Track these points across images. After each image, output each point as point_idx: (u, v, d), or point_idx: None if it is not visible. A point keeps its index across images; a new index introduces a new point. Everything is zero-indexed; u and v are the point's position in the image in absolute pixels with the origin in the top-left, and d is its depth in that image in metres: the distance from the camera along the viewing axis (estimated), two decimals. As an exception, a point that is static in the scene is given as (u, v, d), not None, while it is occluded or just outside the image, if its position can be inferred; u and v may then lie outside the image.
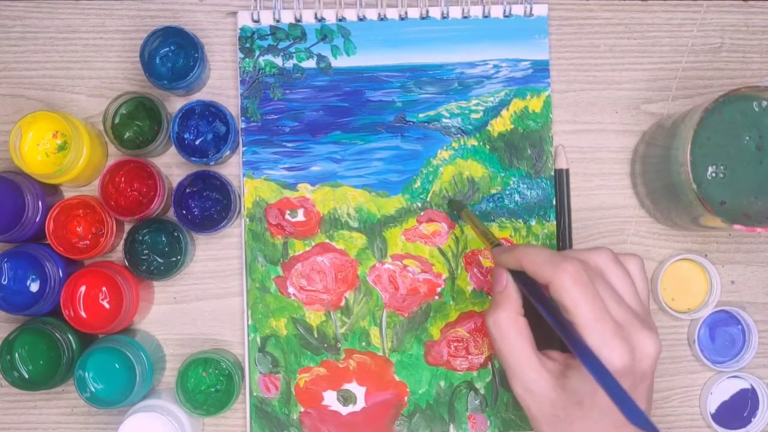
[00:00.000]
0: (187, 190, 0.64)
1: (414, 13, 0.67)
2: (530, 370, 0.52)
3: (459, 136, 0.67)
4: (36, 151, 0.62)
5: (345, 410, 0.66)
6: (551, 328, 0.52)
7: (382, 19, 0.67)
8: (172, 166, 0.67)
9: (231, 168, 0.67)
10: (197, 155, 0.64)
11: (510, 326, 0.52)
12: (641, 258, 0.55)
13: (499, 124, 0.67)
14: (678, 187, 0.59)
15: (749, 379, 0.66)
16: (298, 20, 0.67)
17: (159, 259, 0.64)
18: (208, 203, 0.65)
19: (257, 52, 0.67)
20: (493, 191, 0.66)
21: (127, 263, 0.64)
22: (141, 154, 0.64)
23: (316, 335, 0.66)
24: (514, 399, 0.66)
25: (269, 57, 0.67)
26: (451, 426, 0.66)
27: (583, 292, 0.49)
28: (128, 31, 0.67)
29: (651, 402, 0.54)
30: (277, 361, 0.65)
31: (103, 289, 0.63)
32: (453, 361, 0.66)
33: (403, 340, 0.66)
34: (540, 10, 0.67)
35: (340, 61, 0.67)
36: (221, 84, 0.67)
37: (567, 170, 0.66)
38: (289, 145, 0.66)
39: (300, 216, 0.66)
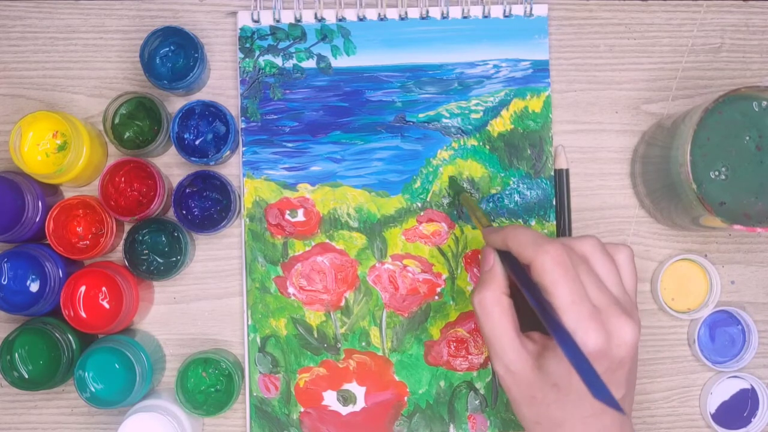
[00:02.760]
0: (187, 190, 0.64)
1: (414, 13, 0.67)
2: (511, 350, 0.52)
3: (459, 136, 0.67)
4: (36, 151, 0.62)
5: (345, 410, 0.66)
6: (534, 311, 0.53)
7: (382, 19, 0.67)
8: (172, 166, 0.67)
9: (231, 168, 0.67)
10: (197, 155, 0.64)
11: (494, 305, 0.52)
12: (631, 249, 0.54)
13: (499, 124, 0.67)
14: (678, 187, 0.59)
15: (749, 379, 0.66)
16: (298, 20, 0.67)
17: (159, 259, 0.64)
18: (208, 203, 0.65)
19: (257, 52, 0.67)
20: (493, 191, 0.66)
21: (127, 263, 0.64)
22: (141, 154, 0.64)
23: (316, 335, 0.66)
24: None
25: (269, 57, 0.67)
26: (451, 426, 0.66)
27: (562, 274, 0.49)
28: (128, 31, 0.67)
29: (632, 390, 0.54)
30: (277, 361, 0.65)
31: (103, 289, 0.63)
32: (453, 361, 0.66)
33: (403, 340, 0.66)
34: (540, 10, 0.67)
35: (340, 61, 0.67)
36: (221, 84, 0.67)
37: (567, 170, 0.66)
38: (289, 145, 0.66)
39: (300, 216, 0.66)
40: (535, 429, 0.53)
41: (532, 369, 0.52)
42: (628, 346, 0.50)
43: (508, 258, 0.53)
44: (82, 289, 0.63)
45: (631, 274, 0.54)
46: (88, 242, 0.64)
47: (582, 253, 0.52)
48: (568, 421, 0.51)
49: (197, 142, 0.64)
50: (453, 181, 0.66)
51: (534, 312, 0.52)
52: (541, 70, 0.67)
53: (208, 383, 0.64)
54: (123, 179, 0.64)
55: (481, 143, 0.67)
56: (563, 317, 0.49)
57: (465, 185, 0.66)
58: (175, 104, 0.67)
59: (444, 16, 0.67)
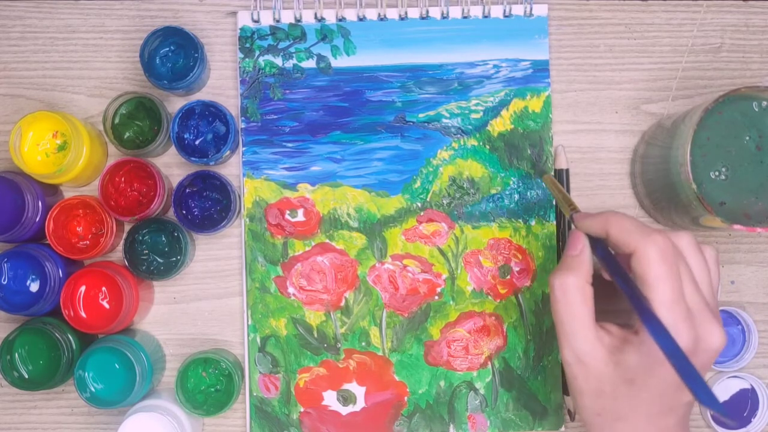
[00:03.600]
0: (187, 190, 0.64)
1: (414, 13, 0.67)
2: (586, 342, 0.50)
3: (459, 136, 0.67)
4: (36, 151, 0.62)
5: (345, 410, 0.66)
6: (610, 305, 0.51)
7: (382, 19, 0.67)
8: (172, 166, 0.67)
9: (231, 168, 0.67)
10: (197, 155, 0.64)
11: (576, 292, 0.51)
12: (717, 250, 0.54)
13: (499, 124, 0.67)
14: (678, 187, 0.59)
15: (749, 379, 0.66)
16: (298, 20, 0.67)
17: (159, 259, 0.64)
18: (208, 203, 0.65)
19: (257, 52, 0.67)
20: (493, 191, 0.66)
21: (127, 263, 0.64)
22: (141, 154, 0.64)
23: (316, 335, 0.66)
24: (514, 399, 0.66)
25: (269, 57, 0.67)
26: (451, 426, 0.66)
27: (668, 270, 0.48)
28: (128, 31, 0.67)
29: None
30: (277, 361, 0.65)
31: (103, 289, 0.63)
32: (453, 361, 0.66)
33: (403, 340, 0.66)
34: (540, 10, 0.67)
35: (340, 61, 0.67)
36: (221, 84, 0.67)
37: (567, 170, 0.66)
38: (289, 145, 0.66)
39: (300, 216, 0.66)
40: (594, 420, 0.52)
41: (605, 363, 0.50)
42: (714, 352, 0.49)
43: (598, 245, 0.52)
44: (82, 289, 0.63)
45: (718, 276, 0.53)
46: (88, 242, 0.64)
47: (680, 248, 0.51)
48: (632, 416, 0.50)
49: (197, 142, 0.64)
50: (537, 167, 0.65)
51: (607, 305, 0.51)
52: (541, 70, 0.67)
53: (208, 383, 0.64)
54: (123, 179, 0.64)
55: (481, 143, 0.67)
56: (660, 314, 0.47)
57: (465, 185, 0.66)
58: (175, 104, 0.67)
59: (444, 16, 0.67)
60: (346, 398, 0.66)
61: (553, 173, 0.66)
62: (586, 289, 0.51)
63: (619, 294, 0.51)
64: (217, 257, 0.67)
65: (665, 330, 0.46)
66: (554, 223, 0.66)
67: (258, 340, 0.66)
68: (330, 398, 0.66)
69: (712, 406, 0.43)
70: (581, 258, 0.52)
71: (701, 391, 0.43)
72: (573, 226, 0.55)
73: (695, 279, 0.50)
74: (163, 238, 0.64)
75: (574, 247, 0.53)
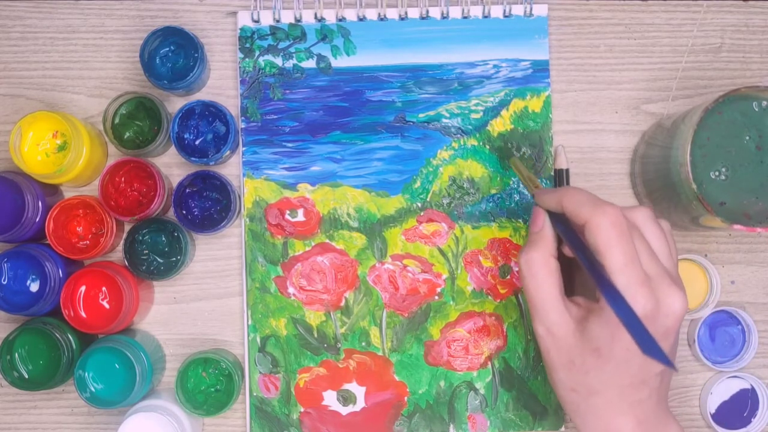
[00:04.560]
0: (187, 190, 0.64)
1: (414, 13, 0.67)
2: (554, 312, 0.52)
3: (459, 136, 0.67)
4: (36, 151, 0.62)
5: (345, 410, 0.66)
6: (579, 279, 0.53)
7: (382, 19, 0.67)
8: (172, 166, 0.67)
9: (231, 168, 0.67)
10: (197, 155, 0.64)
11: (541, 266, 0.53)
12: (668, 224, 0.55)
13: (499, 124, 0.67)
14: (678, 187, 0.59)
15: (749, 379, 0.66)
16: (298, 20, 0.67)
17: (159, 259, 0.64)
18: (208, 203, 0.65)
19: (257, 52, 0.67)
20: (493, 191, 0.66)
21: (127, 263, 0.64)
22: (141, 154, 0.64)
23: (316, 335, 0.66)
24: (514, 399, 0.66)
25: (269, 57, 0.67)
26: (451, 426, 0.66)
27: (617, 236, 0.49)
28: (128, 31, 0.67)
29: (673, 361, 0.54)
30: (277, 361, 0.65)
31: (103, 289, 0.63)
32: (453, 361, 0.66)
33: (403, 340, 0.66)
34: (540, 10, 0.67)
35: (340, 61, 0.67)
36: (221, 84, 0.67)
37: (567, 170, 0.66)
38: (289, 145, 0.66)
39: (300, 216, 0.66)
40: (570, 396, 0.53)
41: (573, 333, 0.52)
42: (676, 316, 0.50)
43: (558, 220, 0.53)
44: (82, 289, 0.63)
45: (675, 247, 0.54)
46: (88, 242, 0.64)
47: (634, 222, 0.52)
48: (604, 390, 0.51)
49: (197, 142, 0.64)
50: (502, 149, 0.66)
51: (576, 279, 0.52)
52: (541, 70, 0.67)
53: (208, 383, 0.64)
54: (123, 179, 0.64)
55: (481, 143, 0.67)
56: (614, 279, 0.49)
57: (465, 185, 0.66)
58: (175, 104, 0.67)
59: (444, 16, 0.67)
60: (346, 398, 0.66)
61: (553, 173, 0.66)
62: (550, 262, 0.53)
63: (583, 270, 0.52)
64: (217, 257, 0.67)
65: (617, 291, 0.47)
66: (554, 223, 0.66)
67: (258, 340, 0.66)
68: (330, 398, 0.66)
69: (655, 355, 0.43)
70: (543, 233, 0.54)
71: (643, 339, 0.44)
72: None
73: (652, 249, 0.52)
74: (163, 238, 0.64)
75: (536, 224, 0.55)
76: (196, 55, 0.64)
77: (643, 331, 0.45)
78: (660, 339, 0.50)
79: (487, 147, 0.67)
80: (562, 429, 0.66)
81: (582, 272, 0.58)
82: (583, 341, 0.51)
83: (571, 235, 0.52)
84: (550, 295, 0.52)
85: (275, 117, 0.66)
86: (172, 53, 0.65)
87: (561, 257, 0.54)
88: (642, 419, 0.52)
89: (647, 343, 0.44)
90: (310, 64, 0.67)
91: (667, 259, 0.53)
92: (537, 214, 0.55)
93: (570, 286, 0.55)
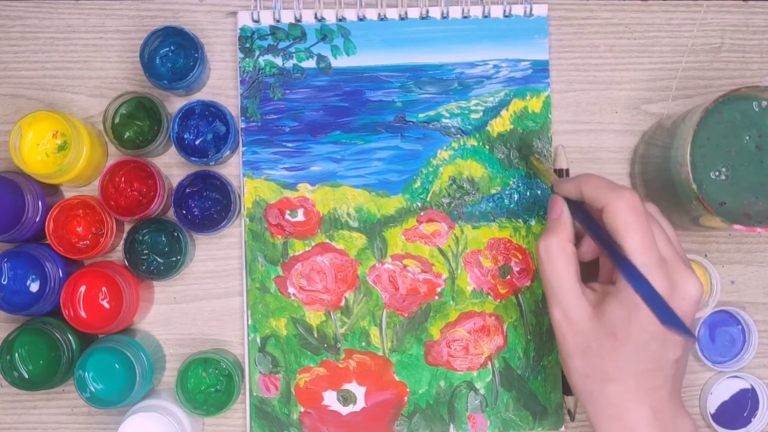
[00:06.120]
0: (187, 190, 0.64)
1: (414, 13, 0.67)
2: (572, 296, 0.53)
3: (459, 136, 0.67)
4: (36, 151, 0.62)
5: (345, 410, 0.66)
6: (595, 267, 0.54)
7: (382, 19, 0.67)
8: (172, 166, 0.67)
9: (231, 168, 0.67)
10: (197, 155, 0.64)
11: (559, 251, 0.54)
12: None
13: (499, 125, 0.67)
14: (678, 187, 0.59)
15: (749, 379, 0.66)
16: (298, 20, 0.67)
17: (159, 259, 0.64)
18: (208, 203, 0.65)
19: (257, 52, 0.67)
20: (493, 191, 0.66)
21: (127, 263, 0.64)
22: (141, 154, 0.64)
23: (316, 335, 0.66)
24: (514, 399, 0.66)
25: (269, 57, 0.67)
26: (451, 426, 0.66)
27: (636, 218, 0.51)
28: (128, 31, 0.67)
29: (687, 355, 0.55)
30: (277, 361, 0.66)
31: (103, 289, 0.63)
32: (453, 361, 0.66)
33: (403, 340, 0.66)
34: (540, 10, 0.67)
35: (340, 61, 0.67)
36: (221, 84, 0.67)
37: (567, 170, 0.66)
38: (289, 145, 0.66)
39: (300, 216, 0.66)
40: (584, 383, 0.53)
41: (590, 317, 0.52)
42: (692, 300, 0.51)
43: (576, 207, 0.55)
44: (82, 289, 0.63)
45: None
46: (88, 242, 0.64)
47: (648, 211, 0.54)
48: (620, 376, 0.52)
49: (197, 142, 0.64)
50: (522, 147, 0.66)
51: (594, 266, 0.53)
52: (540, 70, 0.67)
53: (208, 383, 0.64)
54: (123, 179, 0.64)
55: (481, 143, 0.67)
56: (633, 259, 0.50)
57: (465, 185, 0.66)
58: (175, 104, 0.67)
59: (444, 16, 0.67)
60: (346, 398, 0.66)
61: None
62: (568, 247, 0.54)
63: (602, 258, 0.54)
64: (217, 257, 0.67)
65: (638, 272, 0.48)
66: (554, 223, 0.66)
67: (258, 340, 0.66)
68: (330, 398, 0.66)
69: (675, 325, 0.44)
70: (561, 219, 0.55)
71: (663, 311, 0.45)
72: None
73: (666, 235, 0.53)
74: (163, 238, 0.64)
75: (554, 210, 0.56)
76: (196, 55, 0.64)
77: (663, 303, 0.46)
78: None
79: (487, 147, 0.67)
80: (562, 429, 0.66)
81: (596, 263, 0.58)
82: (599, 325, 0.52)
83: (589, 221, 0.53)
84: (568, 279, 0.53)
85: (275, 117, 0.66)
86: (172, 53, 0.65)
87: (578, 245, 0.55)
88: (657, 408, 0.52)
89: (667, 315, 0.45)
90: (310, 64, 0.67)
91: (680, 248, 0.54)
92: (555, 202, 0.56)
93: (586, 275, 0.56)
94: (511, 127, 0.67)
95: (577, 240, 0.56)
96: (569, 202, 0.56)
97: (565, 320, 0.53)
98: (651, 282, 0.49)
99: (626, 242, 0.50)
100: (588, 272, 0.57)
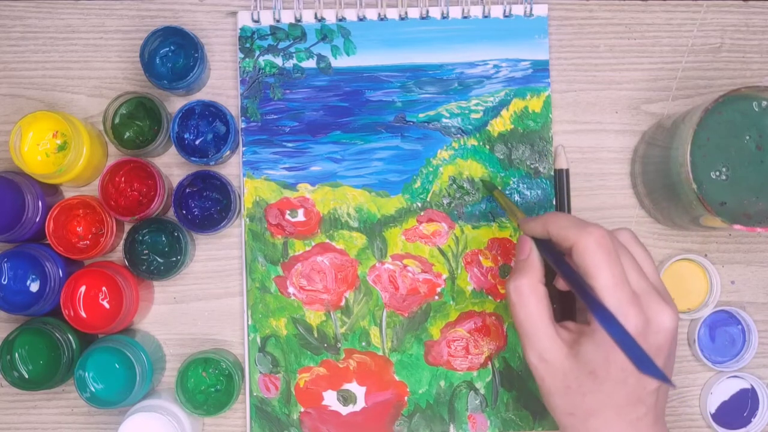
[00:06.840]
0: (187, 190, 0.64)
1: (414, 13, 0.67)
2: (546, 338, 0.52)
3: (459, 136, 0.67)
4: (36, 151, 0.62)
5: (345, 410, 0.66)
6: (569, 305, 0.52)
7: (382, 19, 0.67)
8: (172, 166, 0.67)
9: (231, 168, 0.67)
10: (197, 155, 0.64)
11: (530, 293, 0.52)
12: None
13: (499, 124, 0.67)
14: (678, 187, 0.59)
15: (749, 379, 0.66)
16: (298, 20, 0.67)
17: (159, 259, 0.64)
18: (208, 203, 0.65)
19: (257, 52, 0.67)
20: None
21: (127, 263, 0.64)
22: (141, 154, 0.64)
23: (316, 335, 0.66)
24: (515, 398, 0.66)
25: (269, 57, 0.67)
26: (451, 426, 0.66)
27: (605, 256, 0.50)
28: (128, 31, 0.67)
29: (669, 376, 0.54)
30: (277, 361, 0.65)
31: (103, 289, 0.63)
32: (453, 361, 0.66)
33: (403, 340, 0.66)
34: (540, 10, 0.67)
35: (340, 61, 0.67)
36: (221, 84, 0.67)
37: (567, 170, 0.66)
38: (289, 145, 0.66)
39: (300, 216, 0.66)
40: (568, 420, 0.53)
41: (566, 357, 0.52)
42: (667, 332, 0.50)
43: (544, 246, 0.53)
44: (82, 289, 0.63)
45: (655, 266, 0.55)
46: (88, 242, 0.64)
47: (621, 242, 0.53)
48: (602, 411, 0.51)
49: (197, 142, 0.64)
50: (485, 182, 0.66)
51: (566, 304, 0.51)
52: (541, 70, 0.67)
53: (208, 383, 0.64)
54: (123, 179, 0.64)
55: (481, 143, 0.67)
56: (604, 299, 0.49)
57: (465, 185, 0.66)
58: (175, 104, 0.67)
59: (444, 16, 0.67)
60: (347, 398, 0.66)
61: (553, 173, 0.66)
62: (539, 288, 0.53)
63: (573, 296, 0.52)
64: (217, 257, 0.67)
65: (610, 315, 0.47)
66: (554, 223, 0.66)
67: (258, 340, 0.66)
68: (330, 398, 0.66)
69: (651, 372, 0.44)
70: (530, 260, 0.54)
71: (638, 357, 0.44)
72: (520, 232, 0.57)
73: (639, 266, 0.52)
74: (163, 238, 0.64)
75: (522, 251, 0.55)
76: (196, 55, 0.64)
77: (637, 349, 0.45)
78: (653, 355, 0.50)
79: (487, 147, 0.67)
80: (562, 429, 0.66)
81: (569, 298, 0.58)
82: (578, 365, 0.51)
83: (558, 260, 0.52)
84: (541, 321, 0.52)
85: (275, 117, 0.66)
86: (172, 53, 0.65)
87: (550, 289, 0.54)
88: None
89: (642, 361, 0.44)
90: (310, 64, 0.67)
91: (654, 277, 0.53)
92: (523, 242, 0.55)
93: (558, 313, 0.54)
94: (512, 126, 0.67)
95: (554, 272, 0.55)
96: (537, 241, 0.54)
97: (541, 363, 0.52)
98: (624, 320, 0.48)
99: (596, 281, 0.49)
100: (565, 302, 0.56)
